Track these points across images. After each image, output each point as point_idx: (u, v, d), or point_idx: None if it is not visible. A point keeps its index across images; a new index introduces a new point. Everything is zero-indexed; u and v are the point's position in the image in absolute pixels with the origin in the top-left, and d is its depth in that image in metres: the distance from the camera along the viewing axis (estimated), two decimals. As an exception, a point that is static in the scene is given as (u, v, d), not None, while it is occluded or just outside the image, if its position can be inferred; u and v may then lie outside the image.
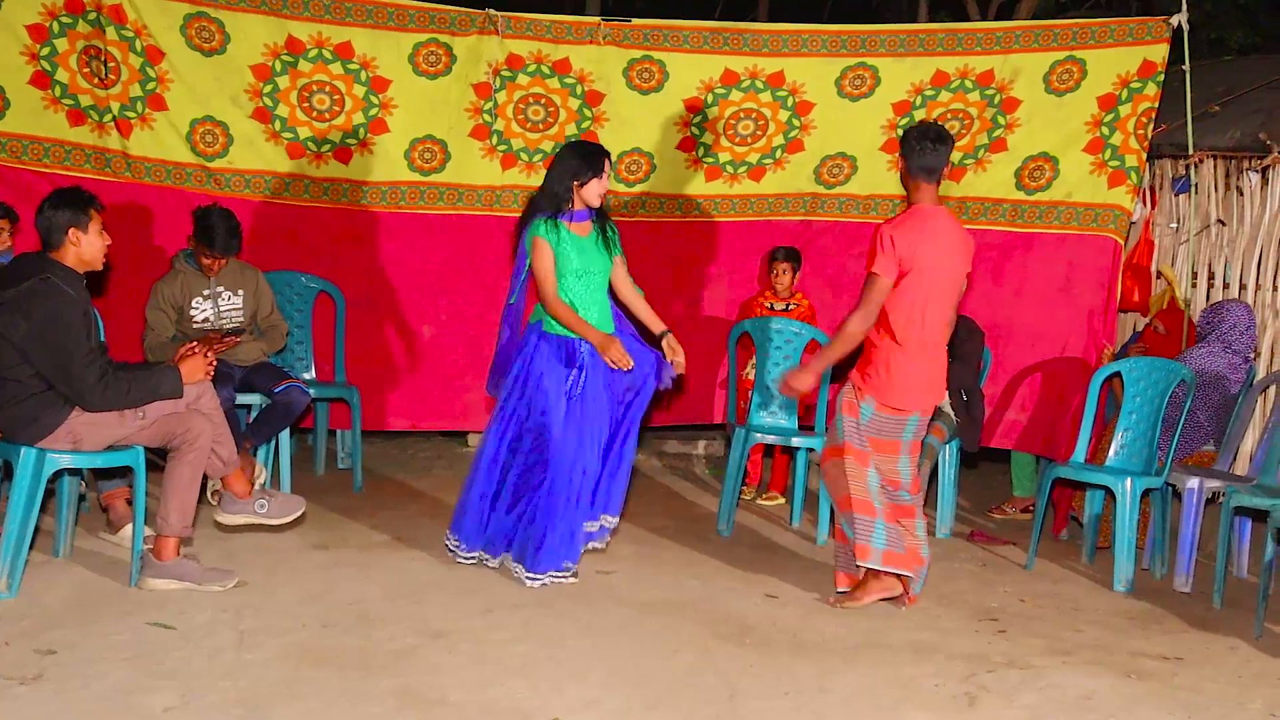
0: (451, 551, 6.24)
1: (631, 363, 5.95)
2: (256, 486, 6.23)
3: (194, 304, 6.95)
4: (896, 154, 6.17)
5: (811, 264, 8.16)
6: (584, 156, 6.02)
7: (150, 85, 7.36)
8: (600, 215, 6.11)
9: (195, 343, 6.02)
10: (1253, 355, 7.36)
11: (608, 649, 5.16)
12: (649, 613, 5.68)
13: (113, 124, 7.35)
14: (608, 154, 6.09)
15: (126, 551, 5.90)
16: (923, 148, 5.78)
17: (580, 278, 5.99)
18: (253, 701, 4.39)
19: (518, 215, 7.91)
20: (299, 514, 6.08)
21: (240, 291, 7.10)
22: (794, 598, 6.06)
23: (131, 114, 7.38)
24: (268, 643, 4.97)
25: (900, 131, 7.49)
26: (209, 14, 7.33)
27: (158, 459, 5.75)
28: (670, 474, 8.85)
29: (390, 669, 4.78)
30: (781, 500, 8.09)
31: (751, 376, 7.86)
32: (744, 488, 8.05)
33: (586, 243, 6.02)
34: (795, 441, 7.45)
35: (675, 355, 6.15)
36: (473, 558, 6.19)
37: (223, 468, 5.77)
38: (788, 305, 8.00)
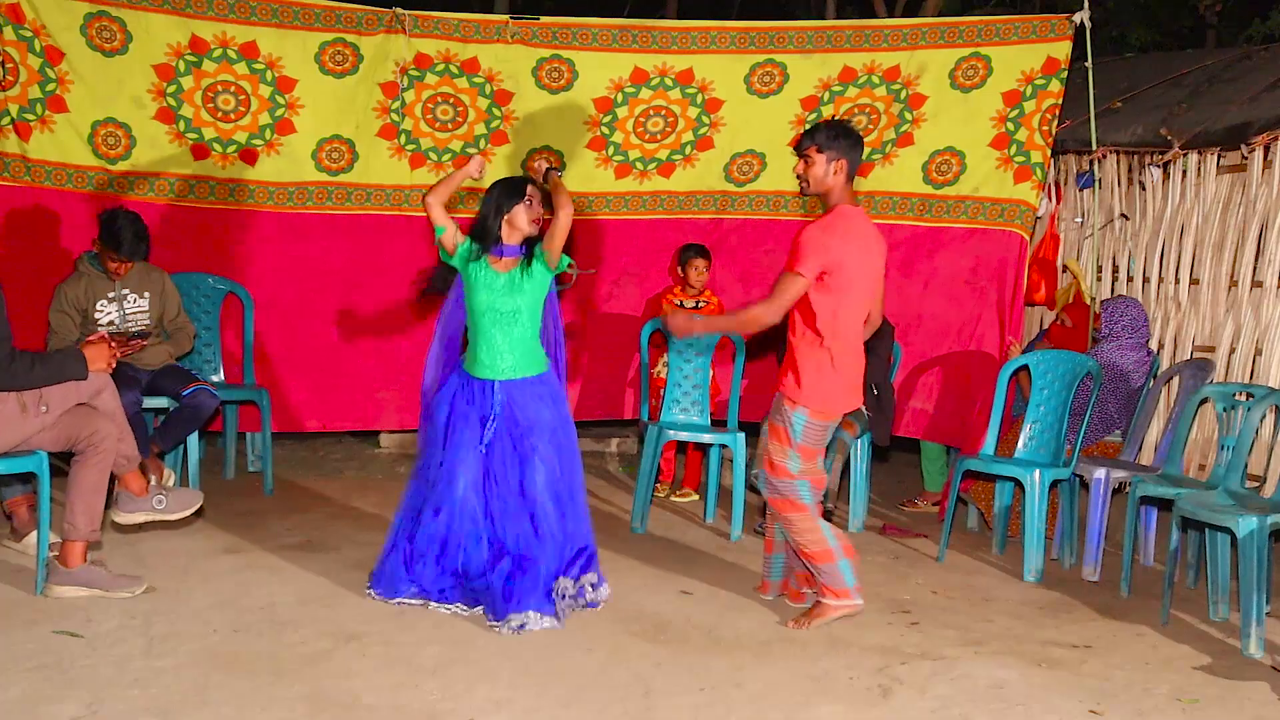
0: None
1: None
2: (166, 484, 6.15)
3: (98, 307, 6.84)
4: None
5: (721, 261, 8.19)
6: (507, 187, 5.77)
7: (50, 86, 7.25)
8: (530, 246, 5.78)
9: (102, 333, 5.89)
10: (1155, 347, 7.50)
11: (520, 649, 5.14)
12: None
13: (11, 127, 7.23)
14: (533, 181, 5.82)
15: (31, 559, 5.80)
16: (856, 145, 5.57)
17: (484, 315, 5.72)
18: (162, 709, 4.33)
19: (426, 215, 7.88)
20: (197, 507, 5.92)
21: (146, 294, 7.01)
22: (708, 594, 6.06)
23: (31, 116, 7.26)
24: (178, 649, 4.91)
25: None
26: (110, 13, 7.23)
27: (61, 464, 5.66)
28: (583, 471, 8.81)
29: (302, 673, 4.74)
30: (695, 497, 8.12)
31: (664, 374, 7.86)
32: (657, 485, 8.07)
33: (501, 280, 5.70)
34: (708, 438, 7.47)
35: None
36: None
37: (126, 464, 5.64)
38: (698, 303, 8.02)
